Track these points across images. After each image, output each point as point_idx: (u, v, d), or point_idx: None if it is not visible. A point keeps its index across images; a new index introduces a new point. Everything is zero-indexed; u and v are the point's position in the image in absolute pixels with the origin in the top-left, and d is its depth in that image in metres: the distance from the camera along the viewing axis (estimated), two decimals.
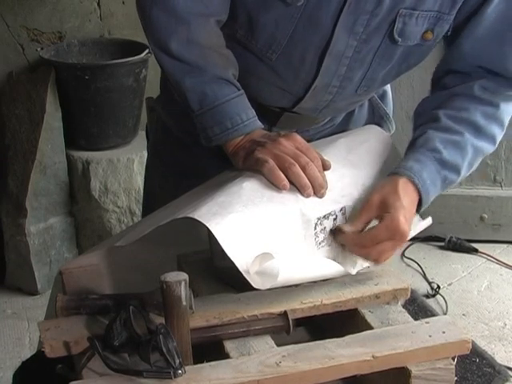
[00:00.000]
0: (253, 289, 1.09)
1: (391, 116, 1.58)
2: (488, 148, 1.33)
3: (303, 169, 1.20)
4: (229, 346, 1.06)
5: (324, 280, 1.17)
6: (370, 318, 1.14)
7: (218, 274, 1.20)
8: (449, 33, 1.33)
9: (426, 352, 1.05)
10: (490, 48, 1.31)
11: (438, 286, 2.99)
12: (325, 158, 1.26)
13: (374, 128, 1.49)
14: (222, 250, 1.07)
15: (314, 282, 1.17)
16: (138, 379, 0.97)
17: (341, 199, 1.24)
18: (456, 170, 1.28)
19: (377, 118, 1.56)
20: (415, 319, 1.14)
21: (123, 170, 2.94)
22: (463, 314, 2.85)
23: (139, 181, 2.91)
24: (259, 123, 1.31)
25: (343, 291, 1.16)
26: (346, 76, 1.35)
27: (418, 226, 1.26)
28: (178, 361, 0.97)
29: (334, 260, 1.18)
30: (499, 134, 1.34)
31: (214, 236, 1.07)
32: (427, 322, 1.10)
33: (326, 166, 1.25)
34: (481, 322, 2.81)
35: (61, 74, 2.86)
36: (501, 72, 1.33)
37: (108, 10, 3.09)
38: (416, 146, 1.28)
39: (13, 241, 2.92)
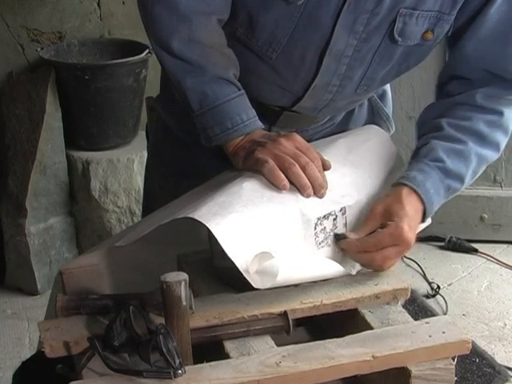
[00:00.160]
0: (253, 289, 1.09)
1: (391, 116, 1.58)
2: (492, 156, 1.34)
3: (303, 169, 1.20)
4: (229, 346, 1.06)
5: (324, 280, 1.17)
6: (369, 318, 1.14)
7: (218, 273, 1.20)
8: (449, 33, 1.33)
9: (426, 352, 1.05)
10: (493, 50, 1.31)
11: (438, 286, 2.99)
12: (325, 158, 1.26)
13: (374, 128, 1.49)
14: (222, 250, 1.07)
15: (314, 282, 1.17)
16: (138, 379, 0.97)
17: (341, 199, 1.24)
18: (460, 178, 1.29)
19: (376, 117, 1.56)
20: (415, 319, 1.14)
21: (123, 170, 2.94)
22: (463, 314, 2.85)
23: (139, 181, 2.91)
24: (259, 123, 1.31)
25: (343, 291, 1.16)
26: (345, 75, 1.35)
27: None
28: (178, 361, 0.97)
29: (334, 260, 1.18)
30: (503, 142, 1.35)
31: (214, 236, 1.07)
32: (427, 322, 1.10)
33: (326, 166, 1.25)
34: (481, 322, 2.81)
35: (61, 73, 2.86)
36: (504, 74, 1.33)
37: (108, 10, 3.09)
38: (419, 155, 1.28)
39: (13, 241, 2.92)
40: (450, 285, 3.05)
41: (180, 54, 1.29)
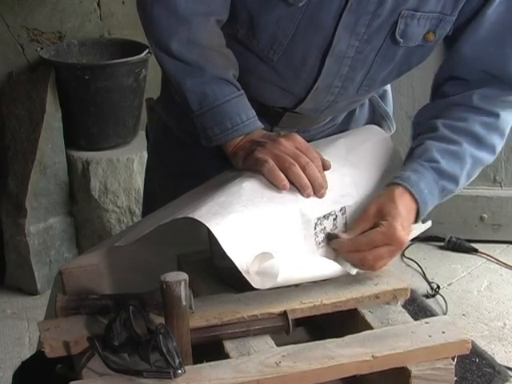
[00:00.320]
0: (253, 289, 1.09)
1: (391, 115, 1.58)
2: (488, 158, 1.33)
3: (303, 169, 1.20)
4: (229, 346, 1.06)
5: (324, 280, 1.17)
6: (369, 317, 1.14)
7: (218, 274, 1.20)
8: (450, 33, 1.33)
9: (425, 352, 1.05)
10: (491, 50, 1.31)
11: (438, 286, 2.99)
12: (325, 158, 1.26)
13: (374, 128, 1.49)
14: (222, 250, 1.07)
15: (314, 282, 1.17)
16: (137, 379, 0.97)
17: (341, 199, 1.24)
18: (454, 179, 1.28)
19: (377, 117, 1.56)
20: (415, 319, 1.14)
21: (123, 170, 2.94)
22: (463, 314, 2.86)
23: (139, 181, 2.91)
24: (259, 123, 1.31)
25: (343, 291, 1.16)
26: (347, 76, 1.35)
27: (418, 228, 1.26)
28: (177, 361, 0.97)
29: (334, 260, 1.18)
30: (499, 144, 1.34)
31: (214, 236, 1.07)
32: (427, 322, 1.10)
33: (325, 166, 1.25)
34: (481, 322, 2.81)
35: (61, 73, 2.86)
36: (501, 75, 1.32)
37: (108, 10, 3.09)
38: (414, 156, 1.28)
39: (13, 241, 2.92)
40: (449, 285, 3.05)
41: (179, 56, 1.29)
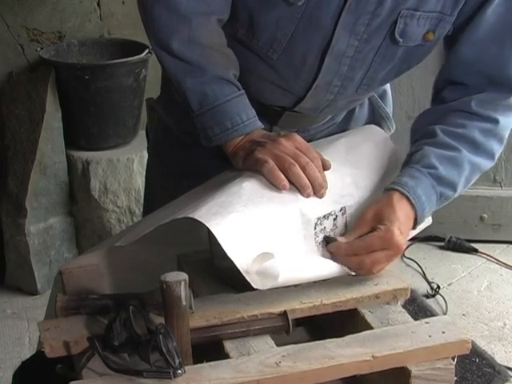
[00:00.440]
0: (253, 289, 1.09)
1: (391, 115, 1.58)
2: (486, 164, 1.33)
3: (303, 169, 1.20)
4: (229, 346, 1.06)
5: (324, 280, 1.17)
6: (369, 318, 1.14)
7: (218, 274, 1.20)
8: (449, 33, 1.33)
9: (425, 352, 1.05)
10: (490, 51, 1.31)
11: (438, 286, 2.99)
12: (325, 157, 1.26)
13: (374, 128, 1.49)
14: (222, 250, 1.07)
15: (314, 281, 1.17)
16: (137, 379, 0.97)
17: (341, 199, 1.24)
18: (452, 186, 1.27)
19: (377, 117, 1.56)
20: (415, 319, 1.14)
21: (123, 169, 2.94)
22: (463, 314, 2.86)
23: (139, 181, 2.91)
24: (259, 123, 1.31)
25: (343, 291, 1.16)
26: (347, 75, 1.35)
27: (420, 224, 1.26)
28: (177, 361, 0.97)
29: (334, 260, 1.18)
30: (498, 150, 1.33)
31: (214, 236, 1.07)
32: (427, 322, 1.10)
33: (325, 166, 1.25)
34: (481, 322, 2.81)
35: (61, 73, 2.86)
36: (500, 77, 1.32)
37: (108, 10, 3.09)
38: (412, 161, 1.27)
39: (13, 241, 2.92)
40: (449, 285, 3.05)
41: (180, 55, 1.29)
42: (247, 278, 1.07)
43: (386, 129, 1.54)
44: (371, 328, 1.11)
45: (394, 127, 1.58)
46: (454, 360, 1.08)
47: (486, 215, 3.30)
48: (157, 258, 1.23)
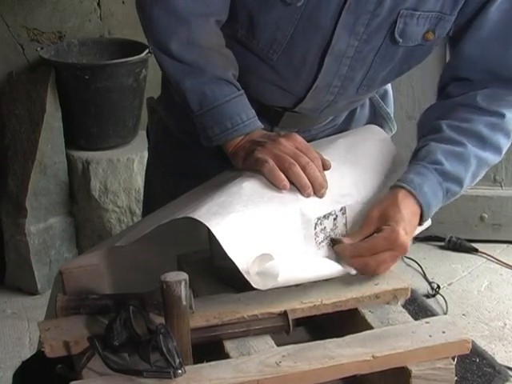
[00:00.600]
0: (253, 289, 1.09)
1: (392, 116, 1.58)
2: (493, 159, 1.32)
3: (303, 169, 1.20)
4: (229, 345, 1.06)
5: (324, 280, 1.17)
6: (370, 317, 1.13)
7: (218, 274, 1.20)
8: (450, 33, 1.33)
9: (426, 352, 1.05)
10: (495, 49, 1.30)
11: (438, 286, 2.99)
12: (325, 157, 1.26)
13: (374, 128, 1.49)
14: (223, 250, 1.07)
15: (314, 281, 1.17)
16: (137, 379, 0.97)
17: (341, 199, 1.24)
18: (458, 181, 1.27)
19: (378, 117, 1.56)
20: (415, 319, 1.14)
21: (123, 169, 2.94)
22: (463, 314, 2.86)
23: (139, 181, 2.91)
24: (259, 123, 1.31)
25: (343, 291, 1.16)
26: (347, 76, 1.35)
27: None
28: (177, 361, 0.97)
29: (334, 260, 1.18)
30: (505, 144, 1.32)
31: (214, 236, 1.07)
32: (427, 322, 1.10)
33: (326, 166, 1.25)
34: (481, 322, 2.81)
35: (61, 73, 2.86)
36: (506, 74, 1.32)
37: (108, 10, 3.09)
38: (418, 157, 1.27)
39: (13, 241, 2.92)
40: (450, 284, 3.05)
41: (179, 56, 1.29)
42: (247, 278, 1.07)
43: (387, 129, 1.54)
44: (371, 328, 1.11)
45: (396, 128, 1.57)
46: (454, 360, 1.07)
47: (486, 215, 3.30)
48: (157, 258, 1.23)
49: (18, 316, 2.83)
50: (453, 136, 1.28)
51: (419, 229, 1.26)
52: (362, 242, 1.17)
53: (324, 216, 1.20)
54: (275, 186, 1.19)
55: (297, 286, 1.15)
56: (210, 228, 1.07)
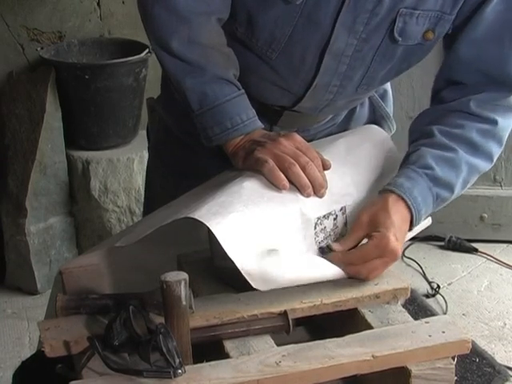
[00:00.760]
0: (253, 289, 1.09)
1: (392, 115, 1.58)
2: (484, 166, 1.31)
3: (303, 169, 1.20)
4: (229, 345, 1.06)
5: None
6: (369, 317, 1.13)
7: (218, 274, 1.20)
8: (449, 32, 1.33)
9: (425, 352, 1.05)
10: (489, 50, 1.30)
11: (438, 286, 2.99)
12: (325, 157, 1.26)
13: (374, 128, 1.49)
14: (223, 250, 1.07)
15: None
16: (137, 379, 0.97)
17: (341, 199, 1.24)
18: (449, 187, 1.26)
19: (378, 117, 1.56)
20: (415, 319, 1.14)
21: (123, 169, 2.94)
22: (463, 314, 2.86)
23: (139, 180, 2.91)
24: (259, 123, 1.31)
25: (343, 291, 1.16)
26: (346, 75, 1.35)
27: (418, 226, 1.25)
28: (177, 360, 0.97)
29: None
30: (497, 152, 1.32)
31: (214, 236, 1.07)
32: (427, 322, 1.10)
33: (326, 166, 1.25)
34: (481, 322, 2.81)
35: (61, 73, 2.86)
36: (499, 76, 1.31)
37: (108, 10, 3.09)
38: (408, 162, 1.26)
39: (13, 241, 2.92)
40: (449, 284, 3.05)
41: (180, 55, 1.29)
42: (247, 278, 1.07)
43: (386, 129, 1.54)
44: (371, 328, 1.11)
45: (395, 127, 1.57)
46: (454, 360, 1.07)
47: (486, 215, 3.30)
48: (157, 258, 1.23)
49: (18, 316, 2.83)
50: (444, 141, 1.27)
51: (418, 228, 1.26)
52: (354, 251, 1.16)
53: (324, 216, 1.20)
54: (275, 185, 1.19)
55: (297, 286, 1.15)
56: (211, 228, 1.07)
